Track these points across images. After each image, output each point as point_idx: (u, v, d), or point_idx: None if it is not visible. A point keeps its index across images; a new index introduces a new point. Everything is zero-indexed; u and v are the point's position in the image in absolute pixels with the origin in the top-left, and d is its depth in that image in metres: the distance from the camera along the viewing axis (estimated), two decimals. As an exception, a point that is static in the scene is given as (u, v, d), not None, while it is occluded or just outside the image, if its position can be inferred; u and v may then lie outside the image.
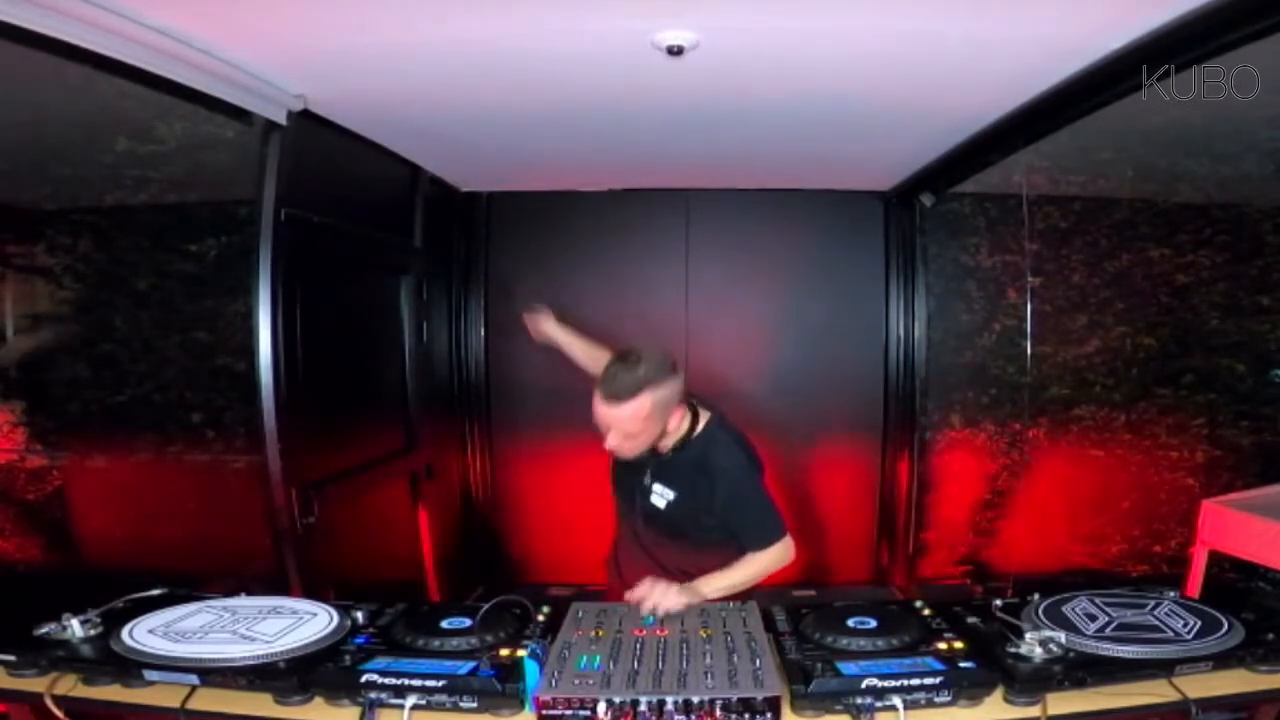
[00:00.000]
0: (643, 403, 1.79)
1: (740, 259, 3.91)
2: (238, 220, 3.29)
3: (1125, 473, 3.76)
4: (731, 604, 1.71)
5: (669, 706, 1.30)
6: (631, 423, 1.82)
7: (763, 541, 1.91)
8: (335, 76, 2.20)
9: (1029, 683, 1.36)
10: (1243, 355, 3.70)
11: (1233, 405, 3.71)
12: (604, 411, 1.82)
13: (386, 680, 1.36)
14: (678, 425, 1.92)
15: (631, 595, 1.74)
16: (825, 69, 2.15)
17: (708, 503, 1.92)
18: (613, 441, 1.87)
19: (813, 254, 3.90)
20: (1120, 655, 1.42)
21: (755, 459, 2.01)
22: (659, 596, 1.70)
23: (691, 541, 1.98)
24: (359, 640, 1.53)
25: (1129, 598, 1.67)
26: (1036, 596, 1.66)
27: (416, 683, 1.35)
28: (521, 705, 1.37)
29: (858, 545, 4.02)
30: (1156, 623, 1.55)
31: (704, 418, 1.98)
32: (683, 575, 1.87)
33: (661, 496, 1.98)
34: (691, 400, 1.98)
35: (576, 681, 1.35)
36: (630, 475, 2.05)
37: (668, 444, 1.95)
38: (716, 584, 1.84)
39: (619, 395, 1.79)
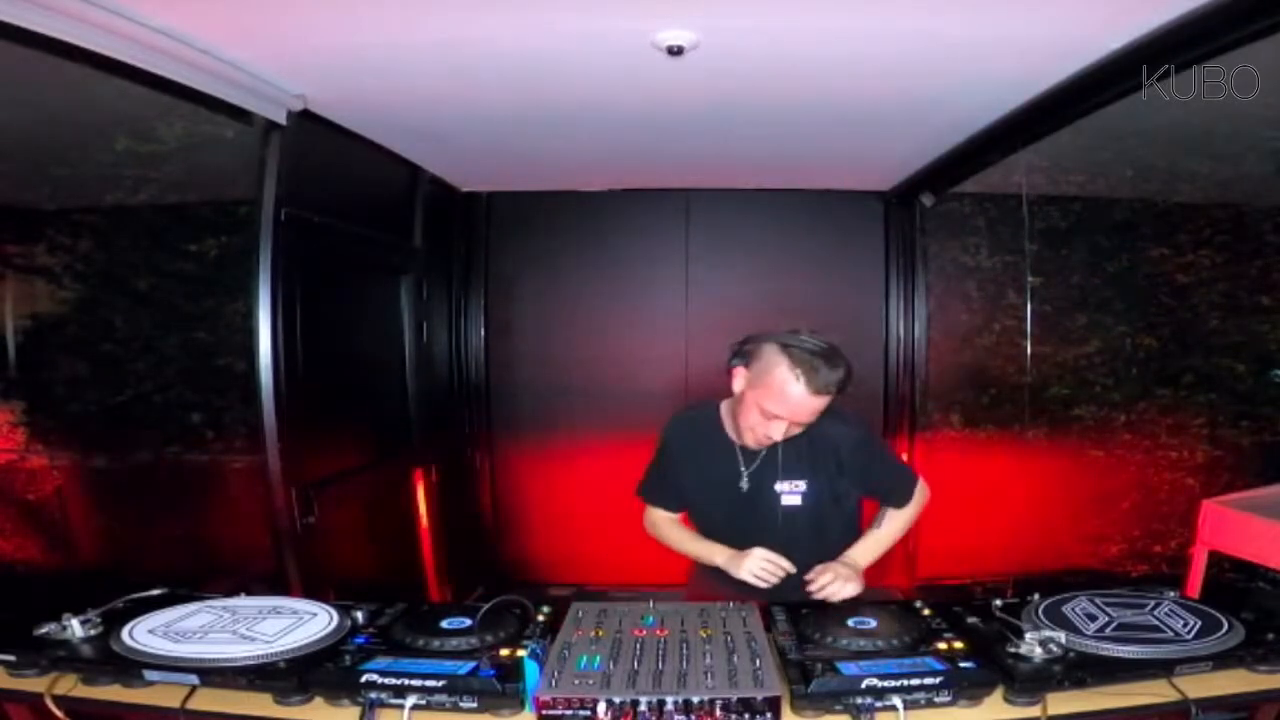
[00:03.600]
0: (832, 398, 1.76)
1: (740, 259, 3.91)
2: (238, 220, 3.28)
3: (1125, 473, 3.76)
4: (731, 604, 1.71)
5: (669, 706, 1.30)
6: (815, 413, 1.76)
7: (908, 494, 1.96)
8: (335, 76, 2.20)
9: (1029, 683, 1.36)
10: (1243, 355, 3.70)
11: (1233, 405, 3.71)
12: (808, 404, 1.72)
13: (386, 680, 1.36)
14: None
15: (814, 586, 1.77)
16: (825, 69, 2.15)
17: (840, 480, 1.90)
18: (778, 434, 1.76)
19: (813, 254, 3.90)
20: (1120, 655, 1.42)
21: (864, 420, 1.98)
22: (838, 587, 1.74)
23: (833, 532, 1.95)
24: (359, 640, 1.52)
25: (1129, 598, 1.67)
26: (1036, 596, 1.66)
27: (416, 683, 1.35)
28: (521, 705, 1.36)
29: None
30: (1156, 623, 1.55)
31: None
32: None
33: (794, 494, 1.89)
34: None
35: (576, 681, 1.35)
36: (729, 485, 1.91)
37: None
38: (873, 551, 1.91)
39: (828, 387, 1.72)
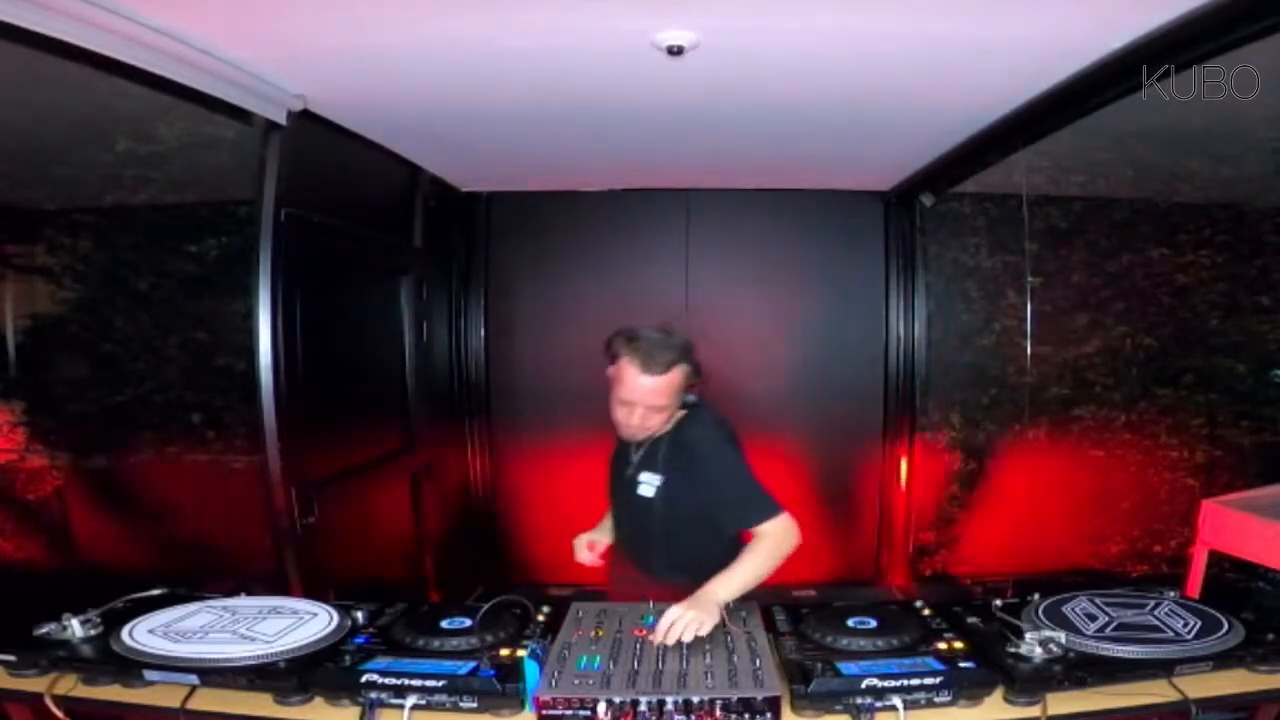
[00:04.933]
0: (675, 375, 1.82)
1: (740, 259, 3.91)
2: (238, 220, 3.29)
3: (1125, 473, 3.76)
4: (731, 604, 1.71)
5: (669, 706, 1.30)
6: (662, 396, 1.82)
7: (751, 518, 1.80)
8: (335, 76, 2.20)
9: (1029, 683, 1.36)
10: (1243, 355, 3.70)
11: (1233, 405, 3.71)
12: (641, 384, 1.80)
13: (386, 680, 1.36)
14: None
15: (654, 639, 1.57)
16: (825, 69, 2.15)
17: (691, 482, 1.88)
18: (637, 419, 1.85)
19: (813, 254, 3.90)
20: (1120, 655, 1.42)
21: (731, 434, 1.95)
22: (679, 629, 1.55)
23: (690, 534, 1.93)
24: (359, 640, 1.53)
25: (1129, 598, 1.67)
26: (1036, 596, 1.66)
27: (416, 683, 1.35)
28: (521, 705, 1.36)
29: (858, 545, 4.02)
30: (1156, 623, 1.55)
31: (692, 402, 1.98)
32: (685, 576, 1.83)
33: (649, 485, 1.95)
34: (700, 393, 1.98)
35: (576, 681, 1.35)
36: (620, 473, 2.05)
37: (663, 428, 1.93)
38: (729, 584, 1.70)
39: (659, 366, 1.79)
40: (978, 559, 3.87)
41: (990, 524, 3.84)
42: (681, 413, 1.95)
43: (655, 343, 1.82)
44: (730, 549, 1.84)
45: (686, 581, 1.79)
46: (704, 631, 1.56)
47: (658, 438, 1.95)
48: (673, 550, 1.96)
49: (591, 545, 2.12)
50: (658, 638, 1.54)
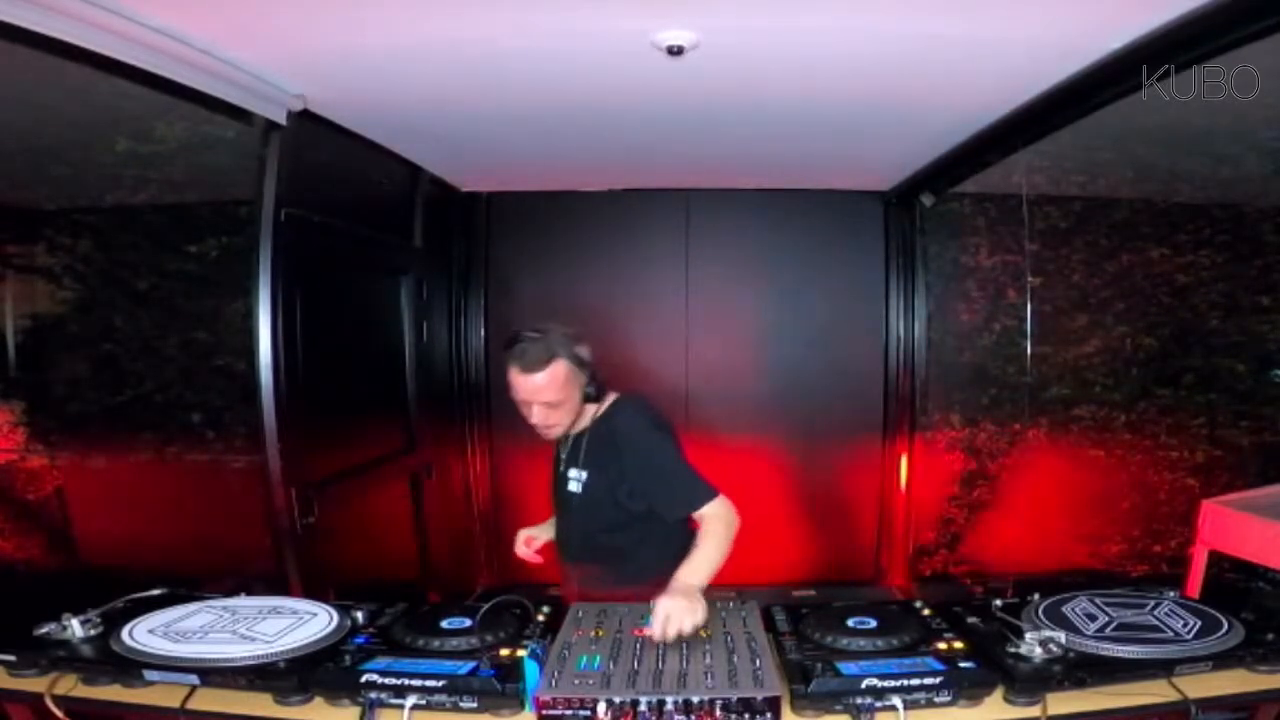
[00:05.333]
0: (557, 369, 1.83)
1: (740, 259, 3.91)
2: (238, 220, 3.28)
3: (1125, 473, 3.76)
4: (731, 604, 1.71)
5: (669, 706, 1.30)
6: (550, 391, 1.84)
7: (687, 504, 1.82)
8: (335, 76, 2.20)
9: (1029, 683, 1.36)
10: (1243, 355, 3.70)
11: (1233, 405, 3.71)
12: (522, 383, 1.84)
13: (386, 680, 1.36)
14: (591, 407, 1.95)
15: (653, 637, 1.56)
16: (825, 69, 2.15)
17: (619, 476, 1.88)
18: (538, 418, 1.88)
19: (813, 254, 3.90)
20: (1120, 655, 1.42)
21: (661, 425, 1.93)
22: (676, 621, 1.55)
23: (618, 530, 1.93)
24: (359, 640, 1.53)
25: (1129, 598, 1.67)
26: (1036, 596, 1.66)
27: (416, 683, 1.35)
28: (521, 705, 1.37)
29: (858, 545, 4.02)
30: (1156, 623, 1.55)
31: (612, 396, 1.99)
32: (620, 567, 1.90)
33: (576, 481, 1.98)
34: (602, 384, 1.97)
35: (576, 681, 1.35)
36: (555, 470, 2.08)
37: (583, 424, 1.97)
38: (698, 570, 1.72)
39: (535, 363, 1.81)
40: (977, 559, 3.87)
41: (990, 524, 3.84)
42: (608, 404, 1.97)
43: (530, 343, 1.84)
44: (655, 544, 1.89)
45: (609, 575, 1.88)
46: (700, 620, 1.57)
47: (580, 433, 1.98)
48: (596, 546, 2.00)
49: (529, 540, 2.19)
50: (656, 634, 1.53)
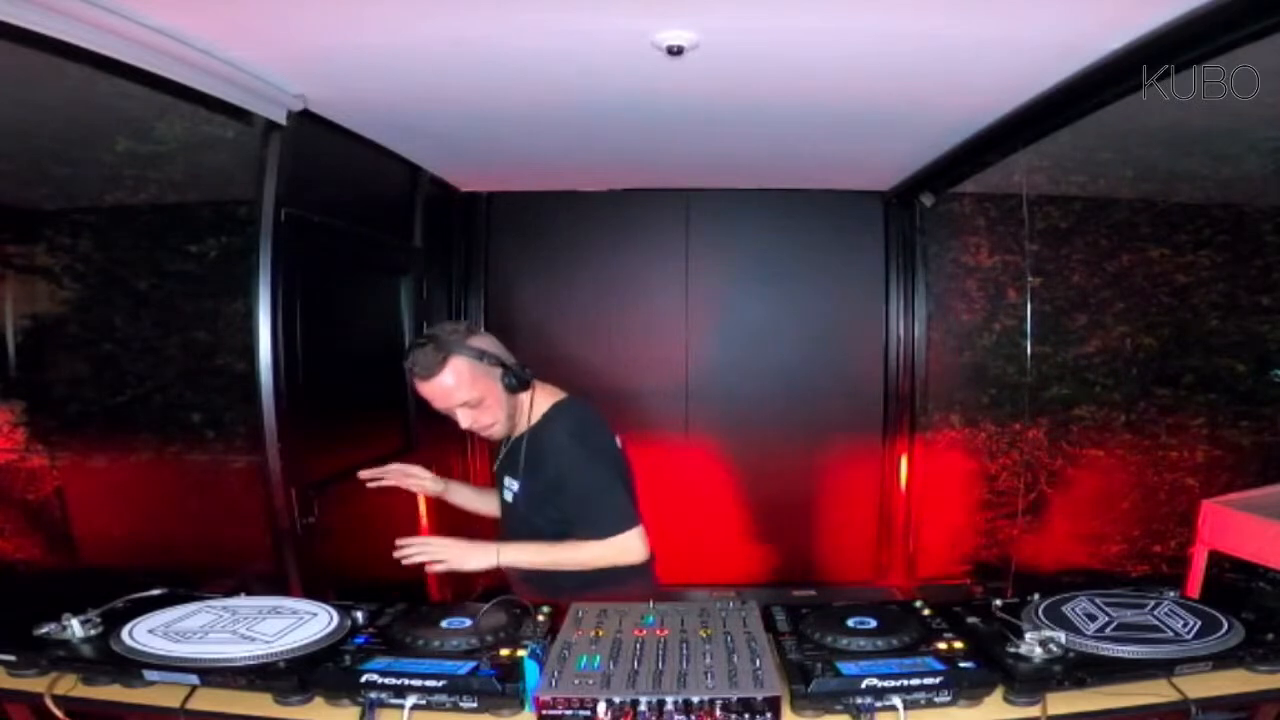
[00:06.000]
0: (457, 365, 1.75)
1: (740, 259, 3.91)
2: (238, 220, 3.28)
3: (1125, 473, 3.76)
4: (732, 604, 1.71)
5: (669, 706, 1.30)
6: (460, 391, 1.76)
7: (601, 530, 1.76)
8: (335, 76, 2.20)
9: (1029, 683, 1.36)
10: (1243, 355, 3.69)
11: (1233, 405, 3.71)
12: (429, 392, 1.77)
13: (386, 680, 1.36)
14: (526, 407, 1.87)
15: (404, 543, 1.73)
16: (825, 69, 2.15)
17: (546, 487, 1.83)
18: (466, 422, 1.81)
19: (813, 254, 3.90)
20: (1120, 655, 1.42)
21: (596, 440, 1.85)
22: (436, 554, 1.71)
23: (545, 538, 1.85)
24: (359, 640, 1.52)
25: (1129, 598, 1.67)
26: (1036, 596, 1.66)
27: (416, 683, 1.35)
28: (521, 705, 1.36)
29: (858, 545, 4.02)
30: (1156, 623, 1.55)
31: (552, 399, 1.90)
32: (541, 581, 1.82)
33: (509, 489, 1.93)
34: (533, 382, 1.89)
35: (576, 681, 1.35)
36: (494, 471, 2.02)
37: (520, 429, 1.89)
38: (517, 553, 1.76)
39: (431, 367, 1.74)
40: (978, 559, 3.87)
41: (990, 524, 3.84)
42: (548, 407, 1.89)
43: (419, 349, 1.76)
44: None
45: (535, 588, 1.81)
46: (446, 568, 1.74)
47: (517, 439, 1.90)
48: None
49: (409, 474, 1.99)
50: (412, 552, 1.72)
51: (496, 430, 1.87)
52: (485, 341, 1.83)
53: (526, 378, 1.85)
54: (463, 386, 1.77)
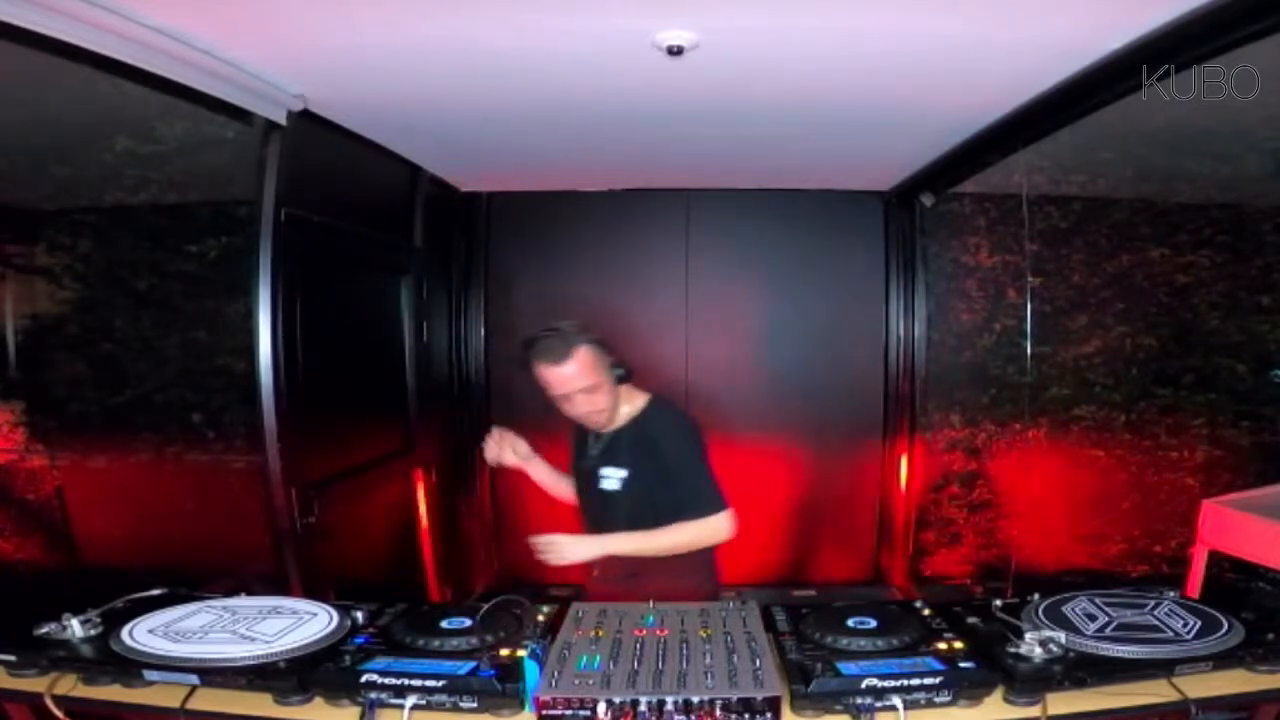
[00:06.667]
0: (583, 356, 1.92)
1: (740, 259, 3.91)
2: (238, 220, 3.28)
3: (1125, 473, 3.76)
4: (731, 604, 1.71)
5: (669, 706, 1.30)
6: (583, 376, 1.92)
7: (698, 510, 1.94)
8: (335, 76, 2.20)
9: (1029, 683, 1.36)
10: (1243, 355, 3.70)
11: (1233, 405, 3.71)
12: (555, 376, 1.93)
13: (386, 680, 1.36)
14: (624, 401, 2.03)
15: (535, 541, 1.91)
16: (825, 69, 2.15)
17: (655, 475, 1.97)
18: (583, 407, 1.96)
19: (813, 254, 3.90)
20: (1120, 655, 1.42)
21: (695, 430, 2.06)
22: (564, 547, 1.89)
23: (652, 526, 1.98)
24: (359, 640, 1.53)
25: (1129, 598, 1.67)
26: (1036, 596, 1.66)
27: (416, 683, 1.35)
28: (521, 705, 1.36)
29: (858, 545, 4.02)
30: (1156, 623, 1.55)
31: (645, 397, 2.08)
32: (646, 566, 1.94)
33: (613, 478, 2.03)
34: (627, 366, 2.06)
35: (576, 681, 1.35)
36: (582, 464, 2.12)
37: (616, 422, 2.04)
38: (633, 542, 1.93)
39: (562, 354, 1.91)
40: (978, 559, 3.87)
41: (990, 524, 3.83)
42: (641, 405, 2.06)
43: (550, 337, 1.95)
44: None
45: (635, 574, 1.95)
46: (563, 560, 1.90)
47: (616, 432, 2.05)
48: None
49: (504, 437, 2.20)
50: (543, 551, 1.89)
51: (604, 418, 2.01)
52: (597, 337, 2.01)
53: (630, 372, 2.03)
54: (585, 373, 1.93)
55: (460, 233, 3.91)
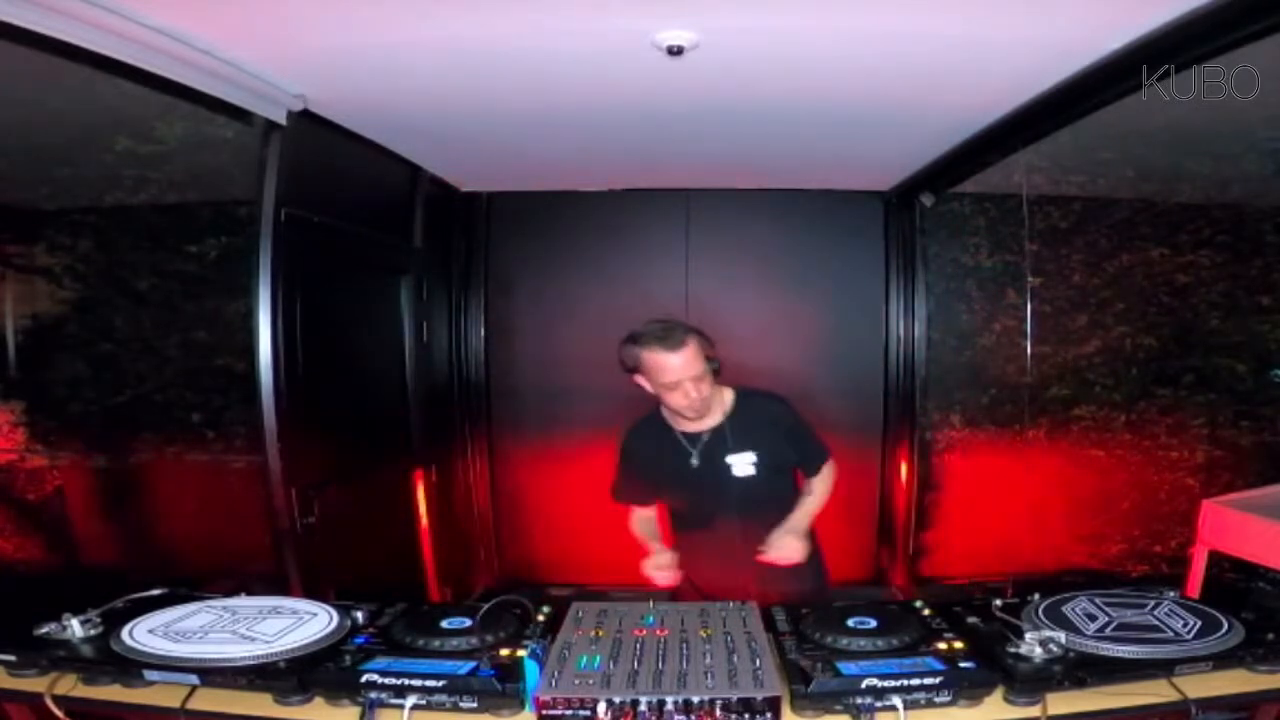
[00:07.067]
0: (693, 345, 2.02)
1: (740, 259, 3.90)
2: (238, 220, 3.29)
3: (1125, 473, 3.76)
4: (731, 604, 1.71)
5: (669, 706, 1.30)
6: (694, 365, 2.01)
7: (820, 464, 2.22)
8: (335, 76, 2.20)
9: (1029, 683, 1.36)
10: (1243, 355, 3.70)
11: (1233, 405, 3.71)
12: (670, 362, 2.00)
13: (386, 680, 1.36)
14: (719, 395, 2.14)
15: (771, 553, 2.03)
16: (825, 69, 2.15)
17: (783, 448, 2.16)
18: (692, 394, 2.02)
19: (813, 254, 3.90)
20: (1120, 655, 1.42)
21: (786, 398, 2.26)
22: (787, 554, 2.03)
23: (785, 499, 2.18)
24: (359, 640, 1.52)
25: (1129, 598, 1.67)
26: (1036, 596, 1.66)
27: (416, 683, 1.35)
28: (521, 705, 1.36)
29: (858, 545, 4.01)
30: (1156, 623, 1.55)
31: (728, 388, 2.20)
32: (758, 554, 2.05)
33: (746, 464, 2.12)
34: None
35: (576, 681, 1.35)
36: (689, 465, 2.14)
37: (716, 417, 2.13)
38: (805, 517, 2.15)
39: (679, 340, 2.00)
40: (978, 559, 3.87)
41: (989, 524, 3.83)
42: (731, 395, 2.17)
43: (661, 326, 2.05)
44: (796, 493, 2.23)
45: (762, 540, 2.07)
46: (801, 558, 2.04)
47: (725, 422, 2.13)
48: (778, 517, 2.14)
49: (663, 564, 2.13)
50: (774, 556, 2.02)
51: (704, 408, 2.09)
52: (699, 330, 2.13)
53: (720, 368, 2.15)
54: (695, 362, 2.02)
55: (460, 233, 3.90)
